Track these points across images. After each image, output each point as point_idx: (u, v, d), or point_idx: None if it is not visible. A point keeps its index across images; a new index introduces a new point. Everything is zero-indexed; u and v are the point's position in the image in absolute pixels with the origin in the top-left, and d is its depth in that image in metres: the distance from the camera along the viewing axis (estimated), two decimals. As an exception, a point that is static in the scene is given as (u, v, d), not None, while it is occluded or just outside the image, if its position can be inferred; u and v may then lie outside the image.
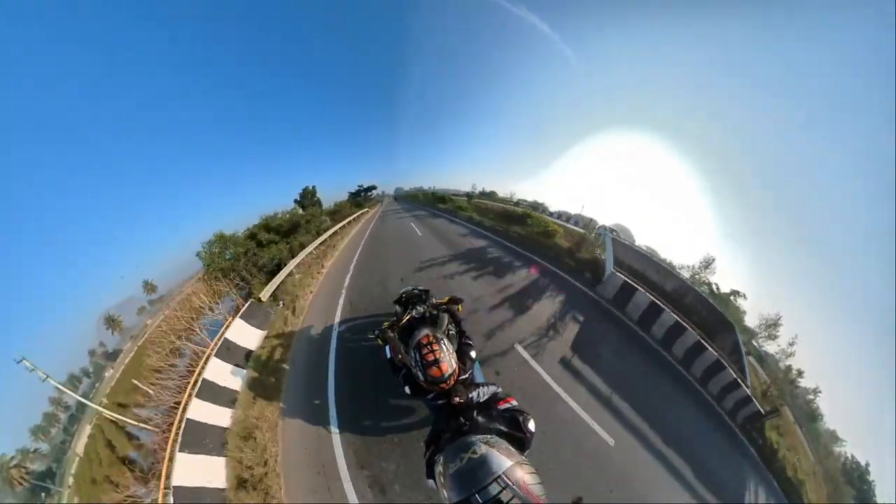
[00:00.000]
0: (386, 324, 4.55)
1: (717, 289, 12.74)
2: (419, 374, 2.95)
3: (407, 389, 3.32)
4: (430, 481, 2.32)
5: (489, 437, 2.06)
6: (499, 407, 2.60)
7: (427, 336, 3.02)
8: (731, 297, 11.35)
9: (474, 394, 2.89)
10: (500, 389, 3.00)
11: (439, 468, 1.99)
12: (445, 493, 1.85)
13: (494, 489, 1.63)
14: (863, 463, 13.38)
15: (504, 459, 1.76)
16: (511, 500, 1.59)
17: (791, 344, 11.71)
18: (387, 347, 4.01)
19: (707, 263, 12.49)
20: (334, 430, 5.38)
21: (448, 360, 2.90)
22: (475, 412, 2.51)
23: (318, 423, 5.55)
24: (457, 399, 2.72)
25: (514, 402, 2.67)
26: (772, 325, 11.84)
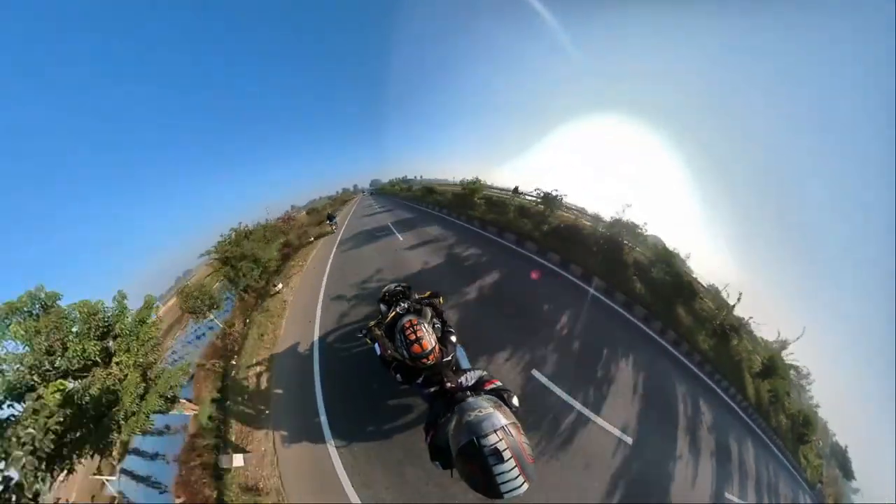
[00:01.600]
0: (372, 323, 4.78)
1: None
2: (404, 353, 3.34)
3: (398, 377, 3.61)
4: (436, 463, 2.67)
5: (494, 400, 2.45)
6: (486, 388, 2.95)
7: (409, 321, 3.44)
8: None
9: (463, 378, 3.20)
10: (485, 373, 3.31)
11: (449, 428, 2.29)
12: (452, 443, 2.16)
13: (494, 438, 1.96)
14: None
15: (504, 418, 2.11)
16: (506, 450, 1.92)
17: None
18: (376, 345, 4.28)
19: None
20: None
21: (428, 338, 3.32)
22: (466, 394, 2.85)
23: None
24: (448, 384, 3.12)
25: (499, 383, 3.02)
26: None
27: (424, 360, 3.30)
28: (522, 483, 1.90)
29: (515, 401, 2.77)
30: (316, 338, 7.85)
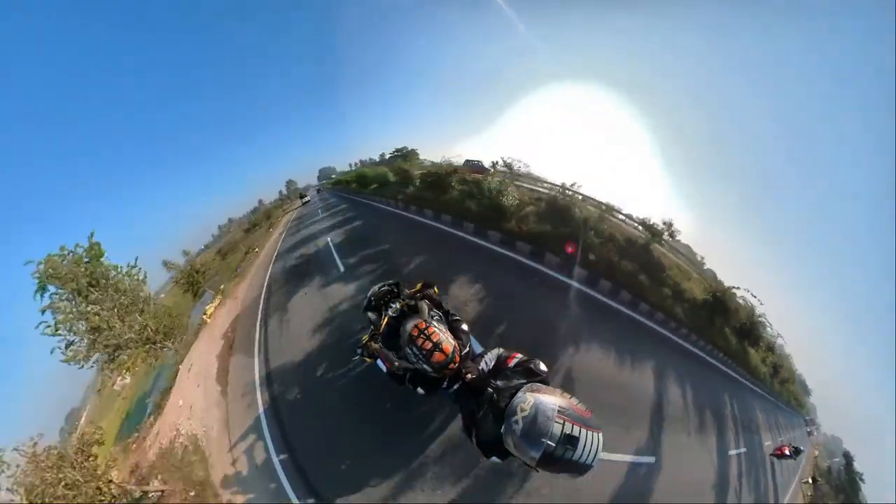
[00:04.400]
0: (364, 337, 4.16)
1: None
2: (424, 366, 2.79)
3: (420, 391, 3.16)
4: (495, 459, 2.38)
5: (522, 386, 2.22)
6: (509, 365, 2.70)
7: (416, 327, 2.86)
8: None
9: (482, 364, 2.97)
10: (501, 350, 3.07)
11: (509, 440, 2.05)
12: (523, 457, 1.97)
13: (558, 428, 1.80)
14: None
15: (549, 398, 1.96)
16: (573, 428, 1.81)
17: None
18: (378, 361, 3.71)
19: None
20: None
21: (447, 339, 2.82)
22: (492, 380, 2.58)
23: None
24: (469, 376, 2.79)
25: (519, 355, 2.77)
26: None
27: (451, 367, 2.77)
28: (599, 439, 1.85)
29: (543, 366, 2.63)
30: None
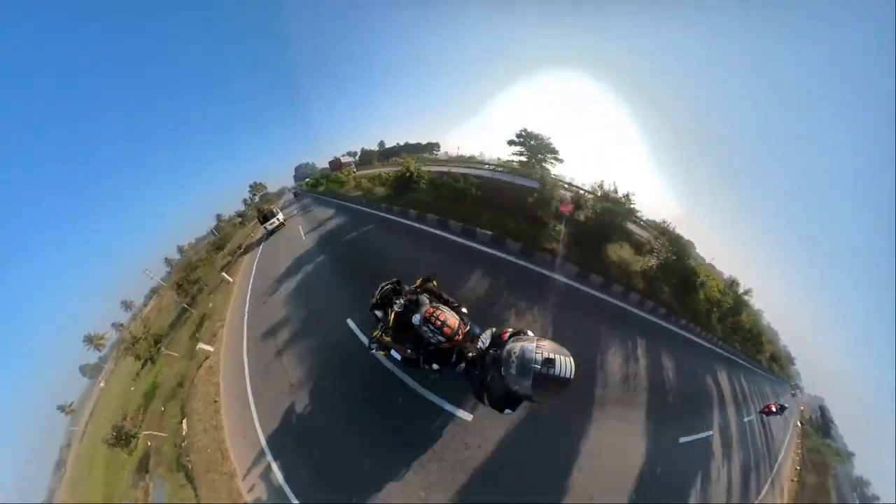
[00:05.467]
0: (376, 333, 4.47)
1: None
2: (438, 338, 3.50)
3: (435, 366, 3.84)
4: (508, 411, 3.12)
5: (514, 337, 3.03)
6: (504, 339, 3.24)
7: (428, 310, 3.60)
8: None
9: (479, 343, 3.59)
10: (494, 329, 3.67)
11: (510, 380, 2.74)
12: (522, 389, 2.68)
13: (539, 357, 2.59)
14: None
15: (528, 342, 2.75)
16: (549, 353, 2.60)
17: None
18: (392, 352, 4.18)
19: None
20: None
21: (452, 315, 3.57)
22: (491, 352, 3.29)
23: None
24: (471, 354, 3.62)
25: (511, 330, 3.34)
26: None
27: (457, 338, 3.53)
28: (571, 361, 2.60)
29: (531, 332, 3.17)
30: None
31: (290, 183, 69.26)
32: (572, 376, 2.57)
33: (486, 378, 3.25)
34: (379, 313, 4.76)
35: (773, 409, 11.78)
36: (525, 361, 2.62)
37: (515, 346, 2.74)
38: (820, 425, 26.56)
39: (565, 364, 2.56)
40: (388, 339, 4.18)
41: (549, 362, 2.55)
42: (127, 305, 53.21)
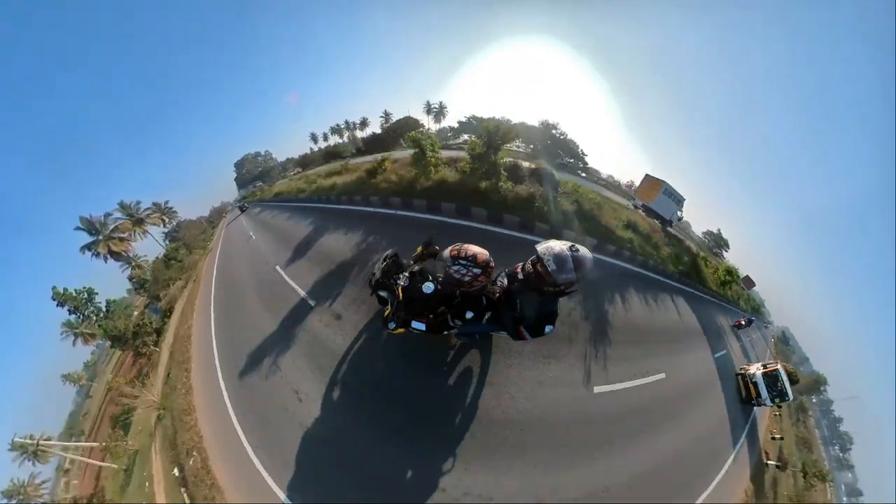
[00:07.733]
0: (387, 312, 4.18)
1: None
2: (473, 271, 3.33)
3: (469, 314, 3.87)
4: (549, 328, 3.38)
5: (545, 245, 3.19)
6: (518, 273, 3.62)
7: (452, 249, 3.42)
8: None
9: (498, 285, 3.88)
10: (507, 269, 3.92)
11: (552, 277, 3.01)
12: (565, 279, 2.98)
13: (567, 247, 2.99)
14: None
15: (552, 242, 3.15)
16: (574, 247, 3.00)
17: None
18: (413, 323, 3.95)
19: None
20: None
21: (478, 249, 3.42)
22: (514, 285, 3.63)
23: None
24: (497, 295, 3.83)
25: (521, 264, 3.61)
26: None
27: (492, 266, 3.42)
28: (588, 252, 3.04)
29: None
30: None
31: (232, 186, 56.08)
32: (590, 259, 3.02)
33: (517, 309, 3.51)
34: (384, 293, 4.49)
35: (742, 323, 15.48)
36: (557, 254, 2.95)
37: (544, 248, 3.06)
38: (783, 343, 39.96)
39: (586, 253, 3.01)
40: (402, 314, 3.93)
41: (573, 247, 2.97)
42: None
